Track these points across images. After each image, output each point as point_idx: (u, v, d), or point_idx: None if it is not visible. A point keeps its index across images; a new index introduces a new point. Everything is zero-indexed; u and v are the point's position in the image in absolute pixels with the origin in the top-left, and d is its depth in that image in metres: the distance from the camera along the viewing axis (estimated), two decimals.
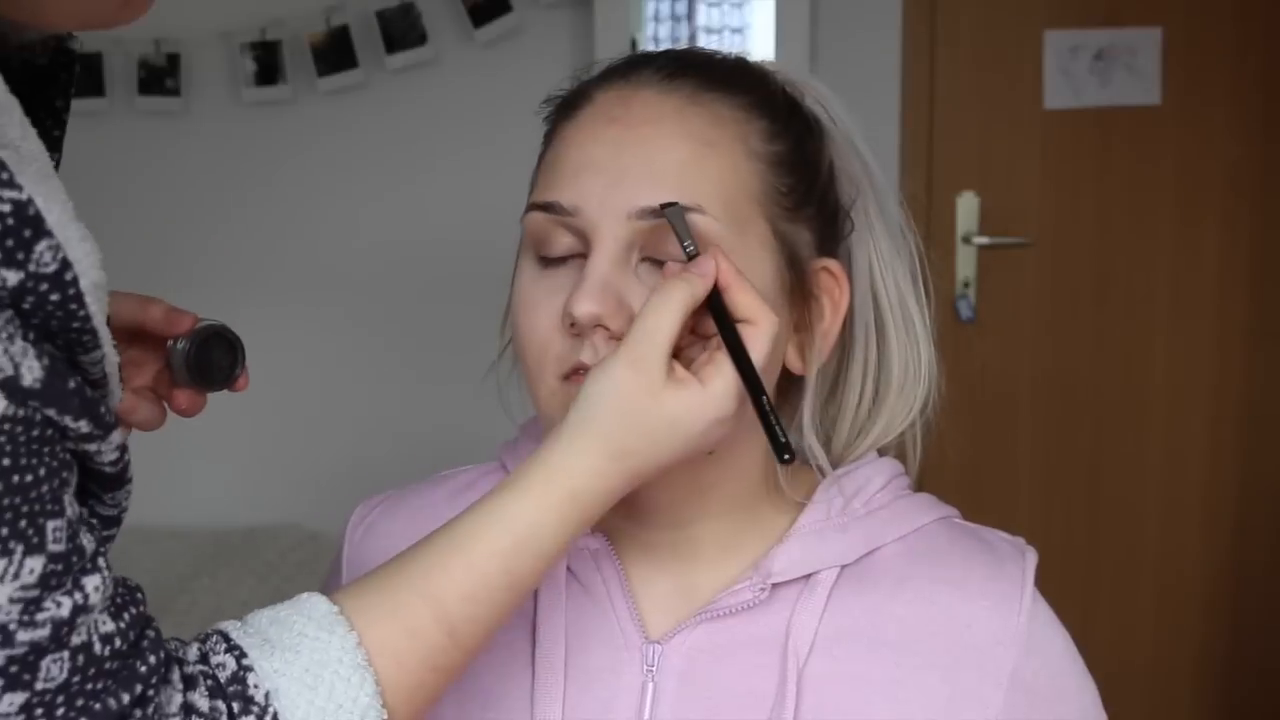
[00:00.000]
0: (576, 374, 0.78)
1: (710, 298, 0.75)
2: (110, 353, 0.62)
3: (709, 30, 4.31)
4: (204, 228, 2.76)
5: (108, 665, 0.60)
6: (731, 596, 0.83)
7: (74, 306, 0.58)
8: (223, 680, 0.65)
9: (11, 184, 0.56)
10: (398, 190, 2.72)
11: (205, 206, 2.75)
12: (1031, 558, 0.86)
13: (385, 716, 0.67)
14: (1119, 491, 2.73)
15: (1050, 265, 2.69)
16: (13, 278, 0.56)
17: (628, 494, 0.82)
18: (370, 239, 2.74)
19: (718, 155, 0.79)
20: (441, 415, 2.61)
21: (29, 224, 0.56)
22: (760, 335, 0.75)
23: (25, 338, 0.57)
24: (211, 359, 0.86)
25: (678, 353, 0.75)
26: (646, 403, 0.72)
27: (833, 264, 0.84)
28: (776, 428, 0.73)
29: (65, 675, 0.58)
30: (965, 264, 2.69)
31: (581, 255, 0.79)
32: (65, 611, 0.58)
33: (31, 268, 0.56)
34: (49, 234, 0.57)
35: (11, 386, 0.56)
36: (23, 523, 0.57)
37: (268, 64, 2.65)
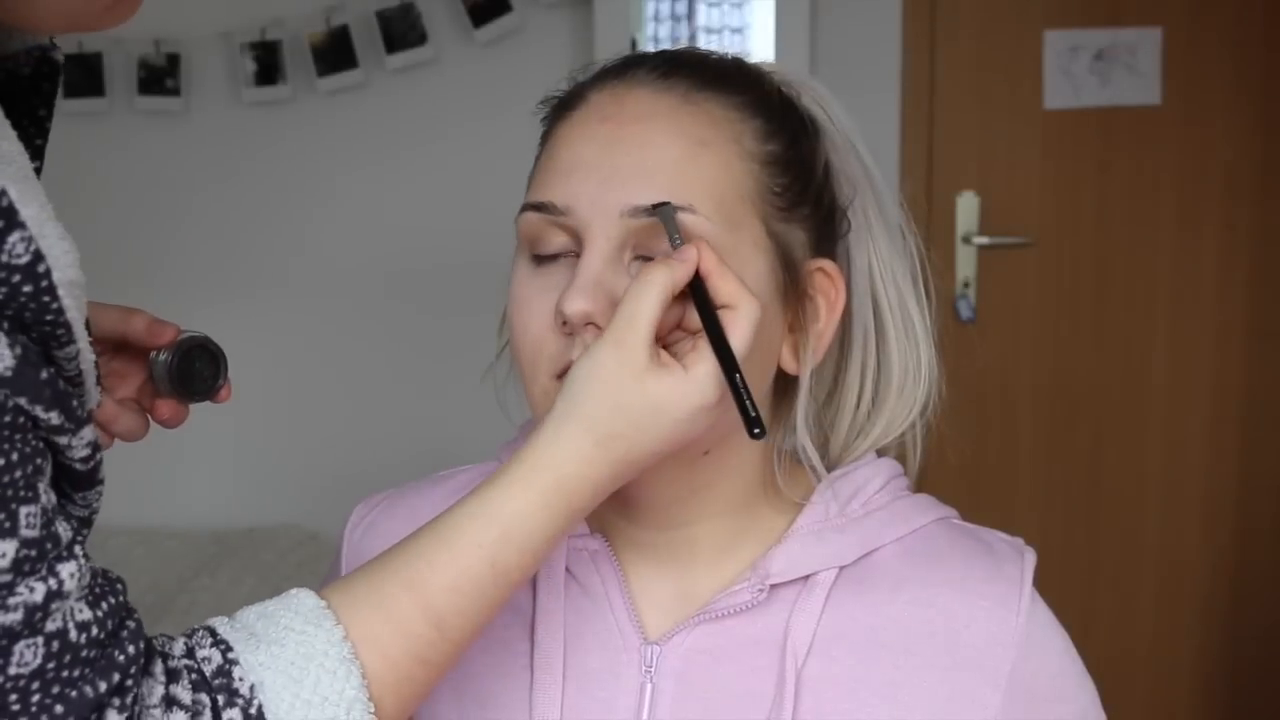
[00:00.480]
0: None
1: (692, 285, 0.75)
2: (86, 350, 0.62)
3: (709, 30, 4.31)
4: (204, 228, 2.76)
5: (84, 653, 0.60)
6: (730, 597, 0.83)
7: (47, 299, 0.58)
8: (208, 673, 0.65)
9: None
10: (398, 190, 2.72)
11: (205, 206, 2.75)
12: (1030, 558, 0.86)
13: (372, 709, 0.67)
14: (1119, 491, 2.73)
15: (1050, 265, 2.69)
16: None
17: (626, 494, 0.82)
18: (371, 239, 2.74)
19: (711, 154, 0.79)
20: (441, 415, 2.61)
21: (1, 215, 0.56)
22: (741, 319, 0.75)
23: None
24: (194, 370, 0.86)
25: (665, 347, 0.75)
26: (630, 386, 0.72)
27: (828, 264, 0.84)
28: (748, 404, 0.73)
29: (39, 661, 0.58)
30: (965, 264, 2.69)
31: (575, 254, 0.79)
32: (39, 597, 0.58)
33: (3, 258, 0.56)
34: (21, 225, 0.57)
35: None
36: None
37: (268, 64, 2.65)
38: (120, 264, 2.68)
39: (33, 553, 0.58)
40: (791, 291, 0.82)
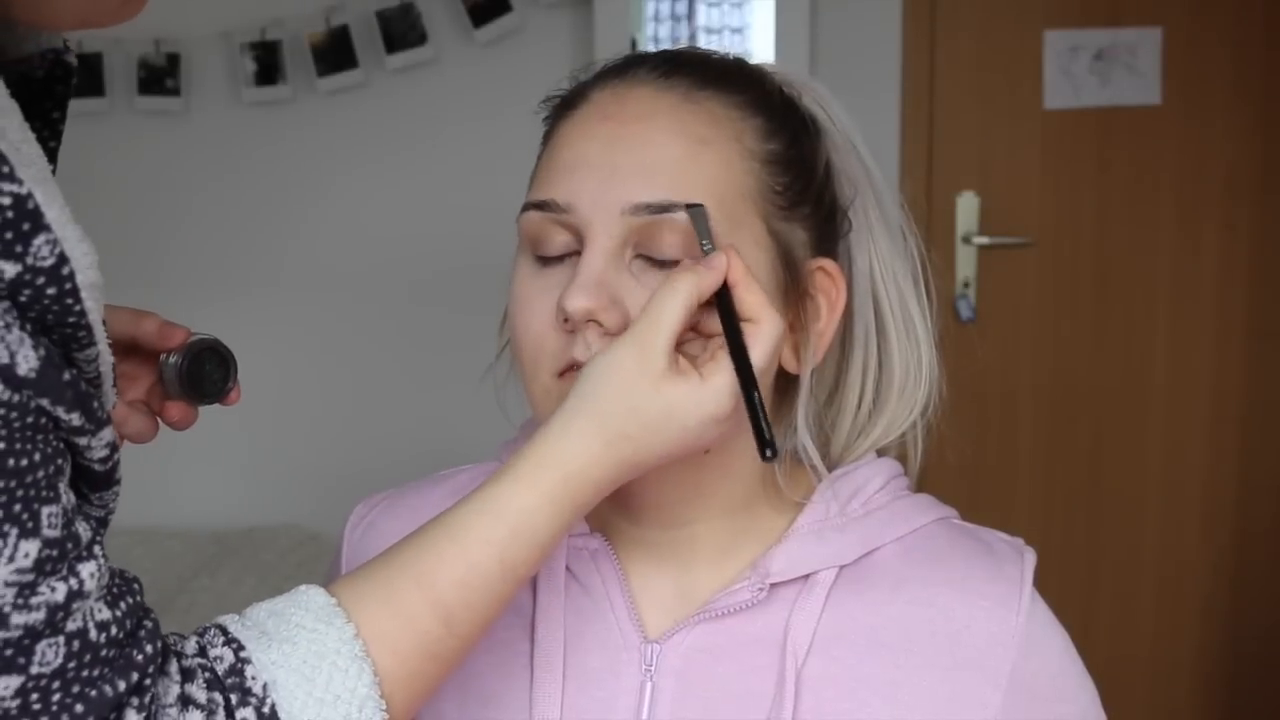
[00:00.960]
0: (571, 371, 0.78)
1: (719, 295, 0.75)
2: (105, 352, 0.62)
3: (709, 30, 4.32)
4: (204, 227, 2.76)
5: (104, 653, 0.60)
6: (730, 596, 0.83)
7: (70, 301, 0.58)
8: (220, 672, 0.65)
9: (12, 178, 0.56)
10: (398, 190, 2.72)
11: (205, 206, 2.75)
12: (1030, 558, 0.86)
13: (384, 706, 0.68)
14: (1119, 491, 2.73)
15: (1050, 265, 2.69)
16: (10, 270, 0.56)
17: (626, 494, 0.82)
18: (371, 239, 2.74)
19: (712, 153, 0.79)
20: (442, 415, 2.61)
21: (28, 217, 0.56)
22: (762, 335, 0.75)
23: (22, 328, 0.57)
24: (203, 373, 0.87)
25: (678, 348, 0.75)
26: (646, 389, 0.72)
27: (829, 264, 0.84)
28: (764, 424, 0.73)
29: (61, 660, 0.59)
30: (965, 264, 2.69)
31: (577, 253, 0.79)
32: (60, 596, 0.58)
33: (29, 260, 0.57)
34: (47, 228, 0.57)
35: (7, 374, 0.56)
36: (17, 507, 0.57)
37: (268, 64, 2.65)
38: (121, 264, 2.67)
39: (54, 553, 0.59)
40: (792, 291, 0.82)
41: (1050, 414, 2.72)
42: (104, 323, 0.63)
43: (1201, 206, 2.67)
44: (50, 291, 0.57)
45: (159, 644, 0.64)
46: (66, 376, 0.59)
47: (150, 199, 2.75)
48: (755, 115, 0.82)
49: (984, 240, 2.68)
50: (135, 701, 0.61)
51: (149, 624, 0.64)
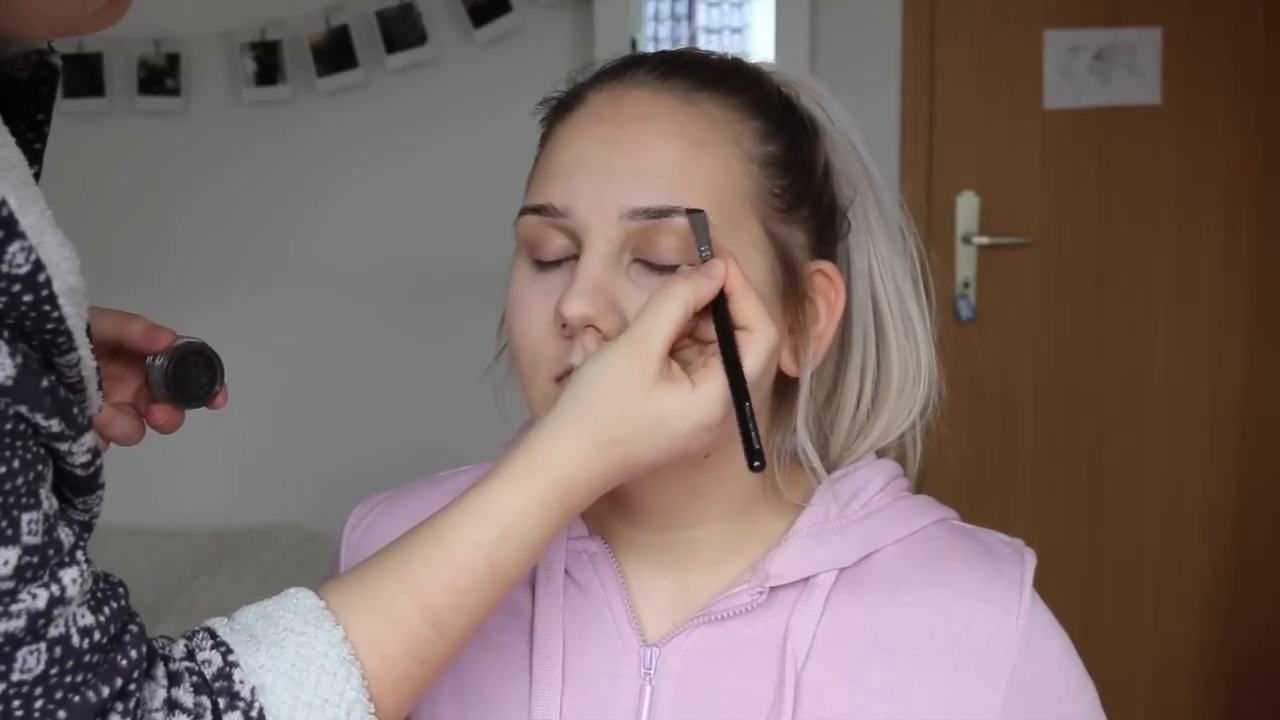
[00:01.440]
0: (569, 376, 0.78)
1: (715, 303, 0.75)
2: (87, 356, 0.62)
3: (709, 30, 4.31)
4: (204, 228, 2.76)
5: (87, 658, 0.60)
6: (729, 600, 0.82)
7: (47, 308, 0.58)
8: (208, 676, 0.65)
9: None
10: (398, 190, 2.72)
11: (205, 206, 2.75)
12: (1030, 559, 0.86)
13: (372, 709, 0.67)
14: (1119, 491, 2.73)
15: (1050, 265, 2.69)
16: None
17: (625, 497, 0.82)
18: (371, 239, 2.74)
19: (709, 155, 0.79)
20: (441, 415, 2.61)
21: (1, 225, 0.56)
22: (757, 344, 0.75)
23: None
24: (189, 376, 0.86)
25: (673, 354, 0.75)
26: (638, 394, 0.72)
27: (828, 266, 0.84)
28: (753, 435, 0.73)
29: (42, 667, 0.58)
30: (965, 264, 2.69)
31: (575, 257, 0.79)
32: (41, 603, 0.58)
33: (4, 268, 0.56)
34: (22, 235, 0.57)
35: None
36: None
37: (268, 64, 2.65)
38: (120, 264, 2.68)
39: (35, 559, 0.58)
40: (791, 293, 0.82)
41: (1050, 414, 2.72)
42: (88, 326, 0.63)
43: (1201, 206, 2.67)
44: (27, 298, 0.57)
45: (144, 648, 0.63)
46: (45, 383, 0.59)
47: (150, 199, 2.75)
48: (753, 117, 0.82)
49: (984, 240, 2.68)
50: (120, 707, 0.61)
51: (134, 628, 0.64)
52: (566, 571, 0.86)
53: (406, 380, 2.76)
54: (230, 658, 0.66)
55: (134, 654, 0.62)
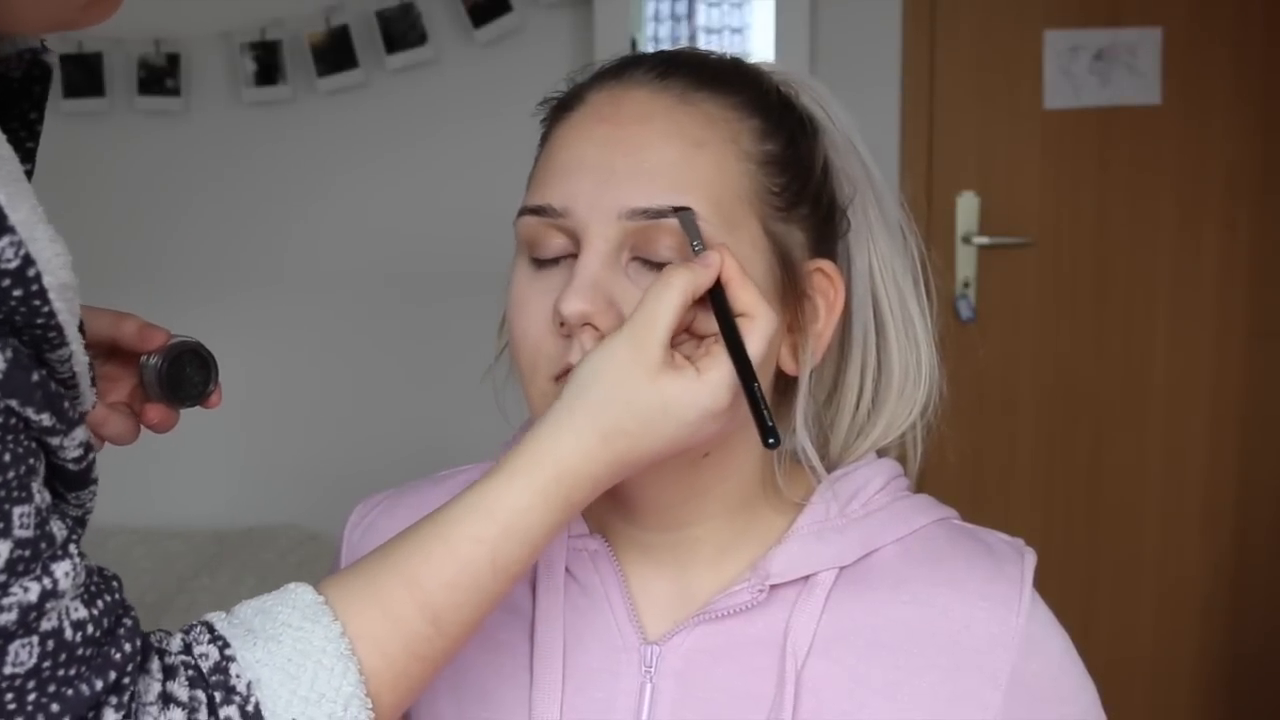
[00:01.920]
0: (567, 374, 0.78)
1: (712, 292, 0.75)
2: (79, 352, 0.62)
3: (709, 30, 4.32)
4: (204, 228, 2.76)
5: (80, 651, 0.60)
6: (729, 598, 0.83)
7: (37, 303, 0.58)
8: (205, 670, 0.65)
9: None
10: (398, 190, 2.72)
11: (205, 206, 2.75)
12: (1030, 559, 0.86)
13: (369, 705, 0.67)
14: (1119, 491, 2.73)
15: (1050, 265, 2.69)
16: None
17: (625, 495, 0.82)
18: (371, 239, 2.74)
19: (707, 155, 0.79)
20: (441, 415, 2.61)
21: None
22: (757, 329, 0.75)
23: None
24: (183, 375, 0.86)
25: (672, 348, 0.75)
26: (643, 383, 0.72)
27: (827, 265, 0.84)
28: (765, 412, 0.73)
29: (35, 660, 0.58)
30: (965, 264, 2.69)
31: (574, 256, 0.79)
32: (33, 596, 0.58)
33: None
34: (11, 230, 0.57)
35: None
36: None
37: (268, 64, 2.65)
38: (120, 264, 2.68)
39: (27, 553, 0.58)
40: (790, 292, 0.82)
41: (1050, 414, 2.72)
42: (81, 323, 0.63)
43: (1201, 206, 2.67)
44: (16, 293, 0.57)
45: (138, 642, 0.63)
46: (35, 377, 0.59)
47: (150, 199, 2.75)
48: (752, 116, 0.82)
49: (984, 240, 2.68)
50: (113, 700, 0.61)
51: (128, 622, 0.64)
52: (567, 570, 0.86)
53: (407, 380, 2.76)
54: (227, 652, 0.66)
55: (128, 647, 0.62)
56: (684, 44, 3.87)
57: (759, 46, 3.57)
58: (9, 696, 0.58)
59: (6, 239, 0.57)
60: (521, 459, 0.73)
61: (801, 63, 2.58)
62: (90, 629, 0.61)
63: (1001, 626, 0.82)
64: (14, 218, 0.57)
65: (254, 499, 2.77)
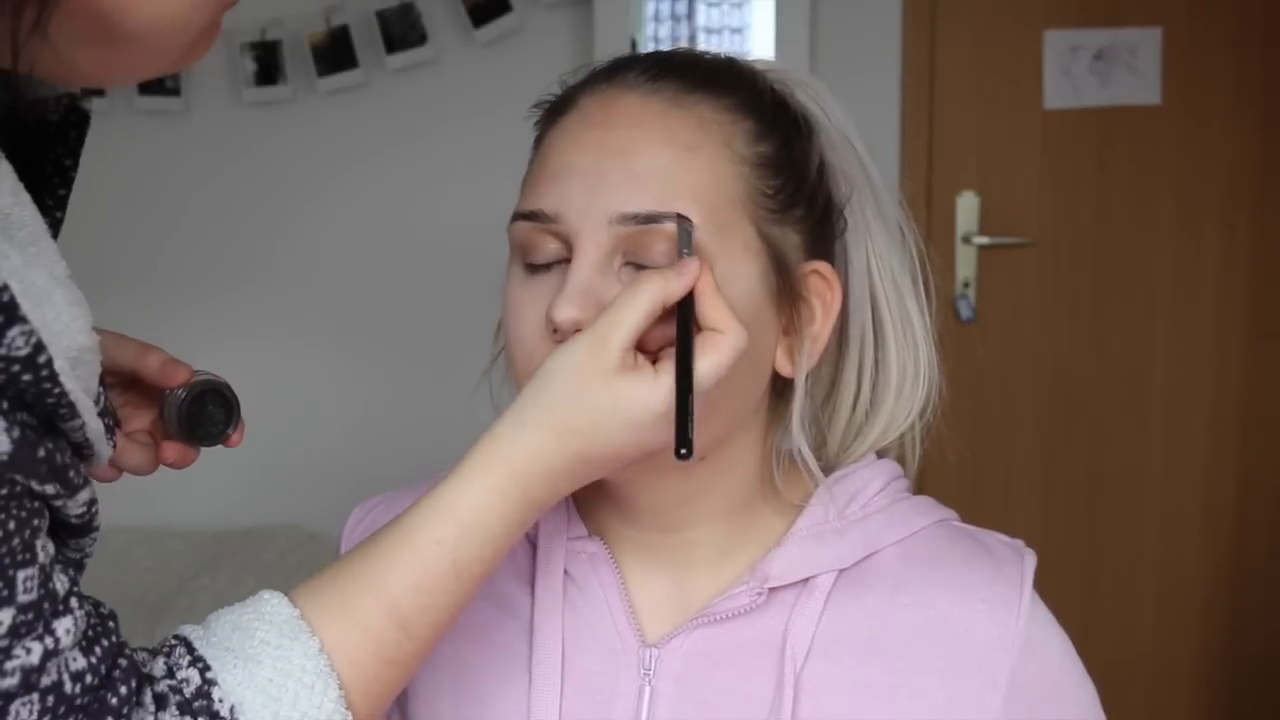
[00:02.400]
0: None
1: (681, 300, 0.74)
2: (91, 421, 0.62)
3: (709, 30, 4.31)
4: (204, 228, 2.76)
5: (79, 701, 0.60)
6: (728, 601, 0.82)
7: (48, 385, 0.58)
8: (188, 695, 0.65)
9: None
10: (398, 190, 2.72)
11: (205, 206, 2.75)
12: (1030, 560, 0.85)
13: (349, 717, 0.67)
14: (1119, 491, 2.73)
15: (1050, 265, 2.69)
16: None
17: (623, 497, 0.83)
18: (370, 239, 2.74)
19: (699, 160, 0.79)
20: (442, 416, 2.60)
21: (2, 310, 0.56)
22: (725, 345, 0.74)
23: None
24: (205, 413, 0.86)
25: (655, 359, 0.74)
26: (596, 382, 0.72)
27: (823, 266, 0.84)
28: (689, 424, 0.71)
29: (35, 716, 0.59)
30: (965, 264, 2.69)
31: (567, 260, 0.79)
32: (35, 659, 0.59)
33: (3, 351, 0.56)
34: (23, 320, 0.57)
35: None
36: None
37: (268, 64, 2.65)
38: (121, 264, 2.68)
39: (29, 616, 0.59)
40: (786, 295, 0.81)
41: (1050, 414, 2.72)
42: (102, 376, 0.63)
43: (1201, 206, 2.67)
44: (26, 378, 0.57)
45: (134, 683, 0.63)
46: (42, 453, 0.59)
47: (150, 199, 2.75)
48: (745, 118, 0.82)
49: (984, 240, 2.68)
50: None
51: (123, 662, 0.64)
52: (566, 572, 0.86)
53: (407, 380, 2.76)
54: (208, 675, 0.66)
55: (124, 690, 0.62)
56: (684, 44, 3.87)
57: (759, 47, 3.56)
58: None
59: (17, 329, 0.56)
60: (478, 458, 0.73)
61: (801, 63, 2.58)
62: (89, 679, 0.61)
63: (1001, 628, 0.82)
64: (25, 303, 0.57)
65: (254, 499, 2.77)
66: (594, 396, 0.72)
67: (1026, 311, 2.71)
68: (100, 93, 2.63)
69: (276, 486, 2.77)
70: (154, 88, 2.66)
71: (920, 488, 0.91)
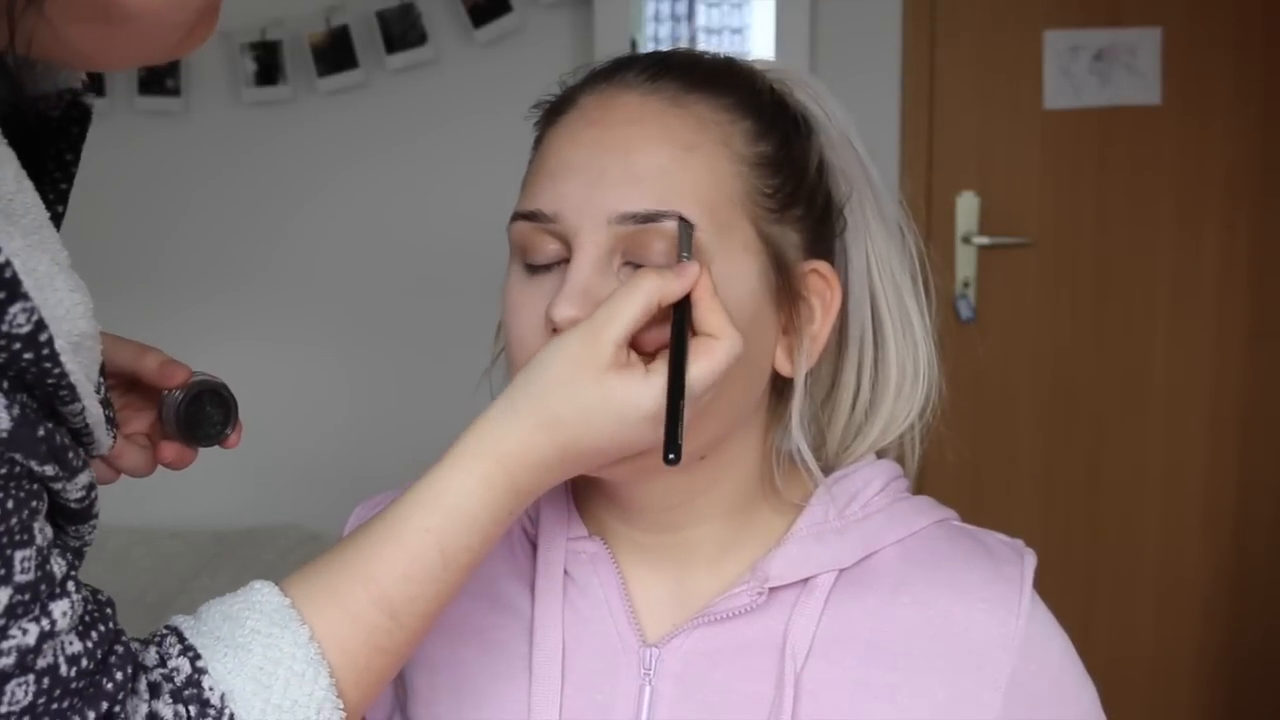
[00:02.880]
0: None
1: (678, 302, 0.74)
2: (92, 406, 0.62)
3: (709, 30, 4.32)
4: (204, 228, 2.76)
5: (74, 685, 0.60)
6: (729, 600, 0.82)
7: (48, 365, 0.58)
8: (179, 683, 0.65)
9: None
10: (398, 190, 2.72)
11: (205, 206, 2.75)
12: (1030, 560, 0.85)
13: (341, 706, 0.68)
14: (1118, 491, 2.73)
15: (1050, 265, 2.69)
16: None
17: (623, 497, 0.83)
18: (370, 239, 2.74)
19: (698, 159, 0.79)
20: (442, 416, 2.60)
21: (4, 286, 0.56)
22: (719, 350, 0.74)
23: None
24: (203, 414, 0.86)
25: (652, 359, 0.74)
26: (588, 376, 0.72)
27: (823, 266, 0.84)
28: (679, 430, 0.71)
29: (30, 698, 0.59)
30: (965, 264, 2.69)
31: (566, 260, 0.79)
32: (31, 639, 0.59)
33: (4, 328, 0.56)
34: (24, 296, 0.57)
35: None
36: None
37: (268, 64, 2.65)
38: (120, 264, 2.68)
39: (26, 596, 0.59)
40: (785, 294, 0.81)
41: (1050, 414, 2.72)
42: (103, 366, 0.63)
43: (1201, 206, 2.67)
44: (27, 356, 0.57)
45: (130, 669, 0.63)
46: (41, 432, 0.59)
47: (150, 199, 2.75)
48: (744, 117, 0.82)
49: (984, 240, 2.68)
50: None
51: (119, 649, 0.64)
52: (566, 572, 0.86)
53: (407, 380, 2.76)
54: (199, 664, 0.66)
55: (119, 676, 0.63)
56: (683, 44, 3.87)
57: (759, 47, 3.57)
58: None
59: (19, 305, 0.57)
60: (465, 447, 0.73)
61: (801, 63, 2.58)
62: (84, 663, 0.61)
63: (1001, 628, 0.82)
64: (28, 282, 0.57)
65: (254, 499, 2.77)
66: (584, 391, 0.72)
67: (1026, 311, 2.71)
68: (100, 92, 2.63)
69: (276, 486, 2.78)
70: (154, 88, 2.66)
71: (920, 488, 0.91)
